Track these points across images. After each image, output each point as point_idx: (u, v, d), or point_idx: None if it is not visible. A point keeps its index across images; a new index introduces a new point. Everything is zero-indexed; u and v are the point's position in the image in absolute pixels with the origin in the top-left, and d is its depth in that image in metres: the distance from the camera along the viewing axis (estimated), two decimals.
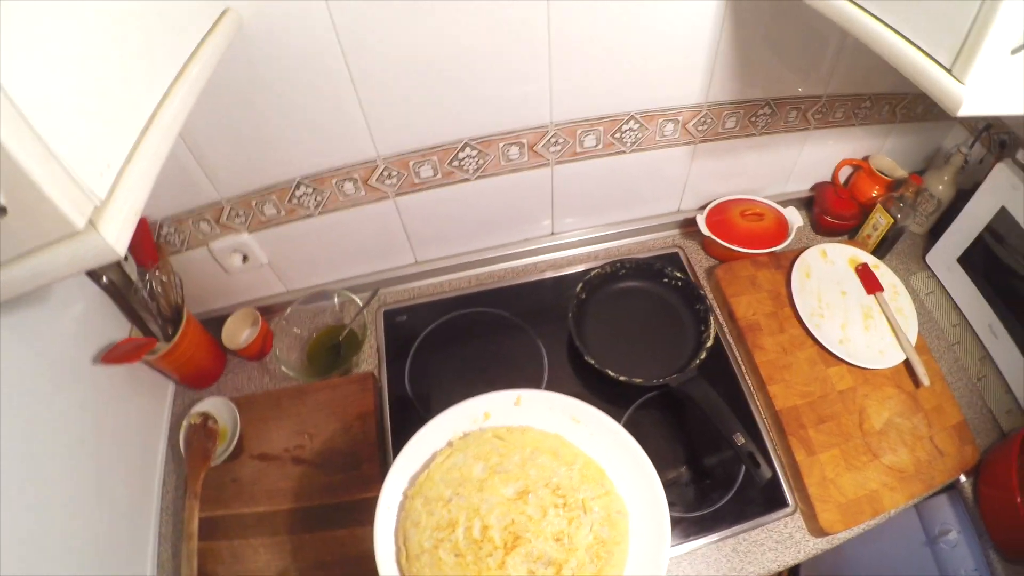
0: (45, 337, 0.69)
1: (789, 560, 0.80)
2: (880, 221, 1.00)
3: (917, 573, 1.00)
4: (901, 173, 1.05)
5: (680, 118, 0.88)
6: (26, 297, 0.66)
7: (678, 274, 0.95)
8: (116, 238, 0.36)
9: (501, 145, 0.85)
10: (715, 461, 0.86)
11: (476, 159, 0.86)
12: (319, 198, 0.85)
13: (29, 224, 0.33)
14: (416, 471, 0.65)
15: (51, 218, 0.32)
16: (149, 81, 0.44)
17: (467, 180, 0.89)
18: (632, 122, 0.87)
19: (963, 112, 0.49)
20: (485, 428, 0.68)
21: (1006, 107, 0.50)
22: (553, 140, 0.86)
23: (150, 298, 0.82)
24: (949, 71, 0.49)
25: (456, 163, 0.86)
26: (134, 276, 0.81)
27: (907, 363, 0.91)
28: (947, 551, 0.93)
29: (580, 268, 1.04)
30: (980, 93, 0.48)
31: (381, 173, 0.84)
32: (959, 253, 0.98)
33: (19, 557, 0.59)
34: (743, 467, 0.84)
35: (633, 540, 0.62)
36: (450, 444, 0.67)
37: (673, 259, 1.06)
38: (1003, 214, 0.88)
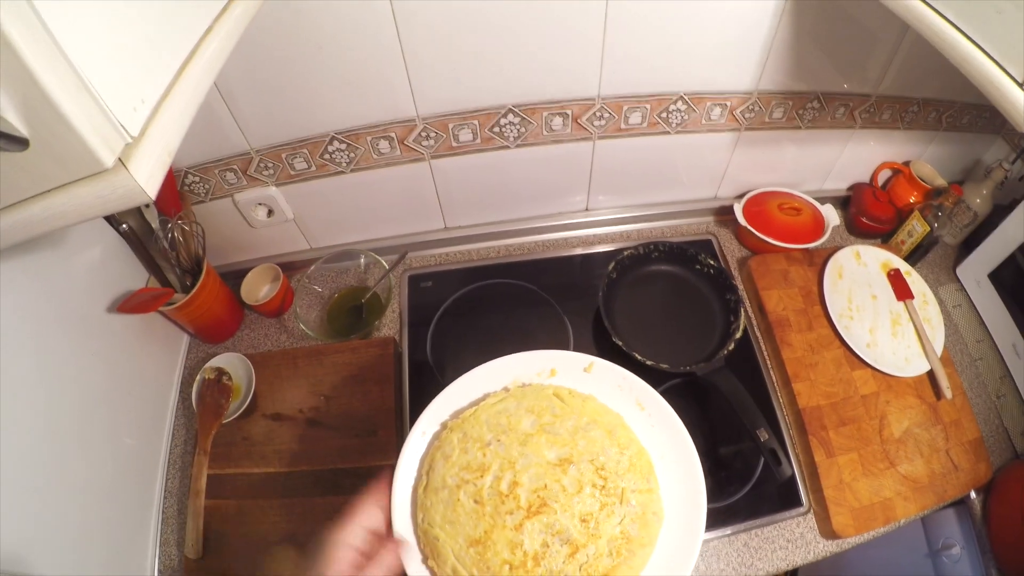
0: (60, 282, 0.66)
1: (798, 560, 0.77)
2: (916, 228, 0.96)
3: None
4: (941, 182, 1.01)
5: (728, 103, 0.84)
6: (43, 240, 0.63)
7: (711, 261, 0.91)
8: (147, 179, 0.32)
9: (545, 114, 0.80)
10: (733, 454, 0.82)
11: (518, 126, 0.81)
12: (352, 155, 0.81)
13: (53, 160, 0.29)
14: (463, 407, 0.61)
15: (78, 154, 0.29)
16: (191, 15, 0.40)
17: (507, 148, 0.84)
18: (680, 103, 0.82)
19: None
20: (547, 384, 0.63)
21: None
22: (599, 114, 0.82)
23: (170, 247, 0.78)
24: (1021, 85, 0.47)
25: (497, 129, 0.81)
26: (155, 224, 0.77)
27: (931, 374, 0.88)
28: (948, 565, 0.91)
29: (611, 247, 1.00)
30: None
31: (419, 134, 0.79)
32: (990, 269, 0.95)
33: (27, 499, 0.56)
34: (761, 462, 0.81)
35: (658, 549, 0.56)
36: (506, 390, 0.62)
37: (706, 246, 1.01)
38: None
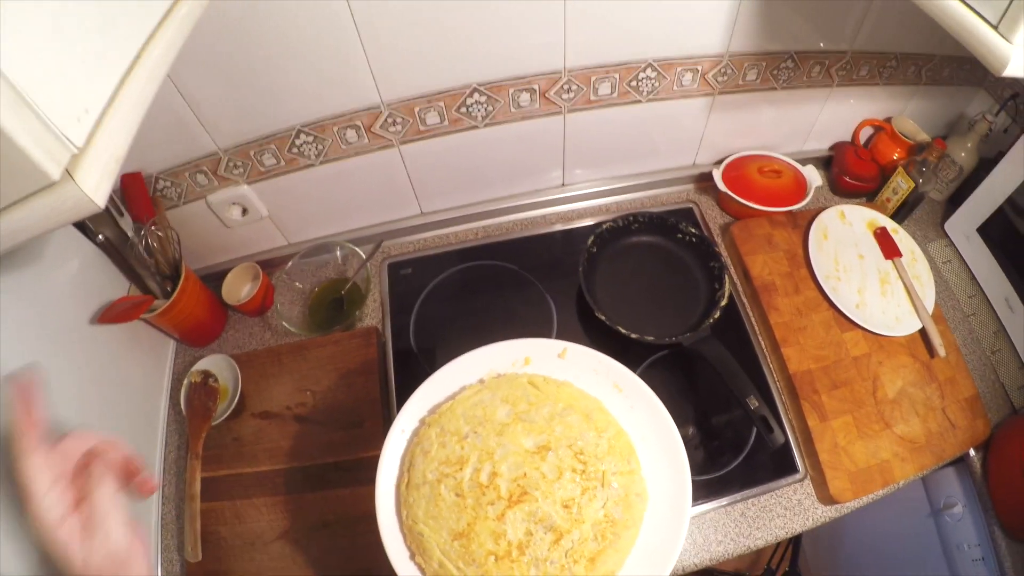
0: (40, 297, 0.65)
1: (797, 527, 0.76)
2: (901, 185, 0.94)
3: (919, 543, 0.98)
4: (924, 137, 0.99)
5: (700, 68, 0.82)
6: (18, 257, 0.62)
7: (692, 230, 0.89)
8: (95, 188, 0.32)
9: (512, 91, 0.78)
10: (725, 423, 0.81)
11: (485, 105, 0.79)
12: (320, 147, 0.79)
13: (1, 178, 0.29)
14: (439, 401, 0.60)
15: (24, 170, 0.29)
16: (133, 20, 0.38)
17: (475, 127, 0.82)
18: (649, 70, 0.80)
19: (1009, 71, 0.45)
20: (521, 373, 0.62)
21: None
22: (566, 87, 0.79)
23: (147, 254, 0.77)
24: (995, 28, 0.45)
25: (464, 109, 0.79)
26: (130, 232, 0.76)
27: (923, 332, 0.86)
28: (951, 524, 0.90)
29: (591, 221, 0.98)
30: None
31: (385, 120, 0.78)
32: (979, 223, 0.93)
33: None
34: (754, 431, 0.79)
35: (645, 529, 0.56)
36: (481, 382, 0.62)
37: (687, 214, 0.99)
38: None
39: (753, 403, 0.73)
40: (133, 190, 0.75)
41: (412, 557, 0.54)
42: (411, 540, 0.54)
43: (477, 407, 0.58)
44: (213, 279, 0.90)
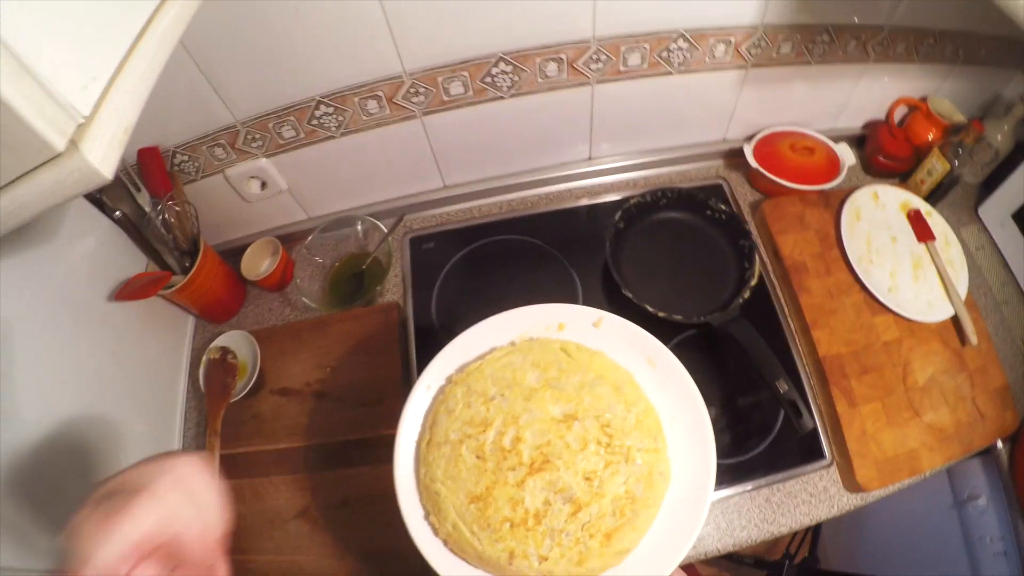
0: (57, 275, 0.63)
1: (822, 515, 0.73)
2: (936, 166, 0.88)
3: (940, 535, 0.94)
4: (960, 118, 0.93)
5: (733, 39, 0.76)
6: (34, 234, 0.60)
7: (722, 206, 0.84)
8: (102, 159, 0.30)
9: (539, 61, 0.73)
10: (752, 407, 0.77)
11: (511, 75, 0.75)
12: (341, 118, 0.75)
13: (4, 151, 0.27)
14: (468, 361, 0.57)
15: (27, 141, 0.27)
16: None
17: (500, 98, 0.78)
18: (681, 40, 0.75)
19: None
20: (555, 338, 0.59)
21: None
22: (595, 57, 0.74)
23: (165, 230, 0.75)
24: None
25: (489, 79, 0.75)
26: (147, 208, 0.74)
27: (955, 319, 0.81)
28: (974, 516, 0.87)
29: (617, 196, 0.93)
30: None
31: (408, 90, 0.73)
32: (1014, 209, 0.87)
33: (42, 492, 0.55)
34: (781, 414, 0.75)
35: (664, 510, 0.52)
36: (513, 344, 0.58)
37: (717, 191, 0.94)
38: None
39: (783, 387, 0.69)
40: (150, 165, 0.73)
41: (426, 516, 0.52)
42: (427, 499, 0.52)
43: (506, 369, 0.55)
44: (232, 254, 0.88)
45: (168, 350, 0.83)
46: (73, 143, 0.29)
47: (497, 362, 0.56)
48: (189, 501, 0.32)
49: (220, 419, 0.77)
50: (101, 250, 0.70)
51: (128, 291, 0.71)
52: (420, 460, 0.54)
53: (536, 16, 0.69)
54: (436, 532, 0.51)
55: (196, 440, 0.79)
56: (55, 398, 0.60)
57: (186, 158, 0.76)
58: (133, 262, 0.76)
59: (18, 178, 0.29)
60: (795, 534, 1.35)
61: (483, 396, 0.54)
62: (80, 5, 0.31)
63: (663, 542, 0.51)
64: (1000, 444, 0.78)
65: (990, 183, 0.94)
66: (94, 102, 0.30)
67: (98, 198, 0.68)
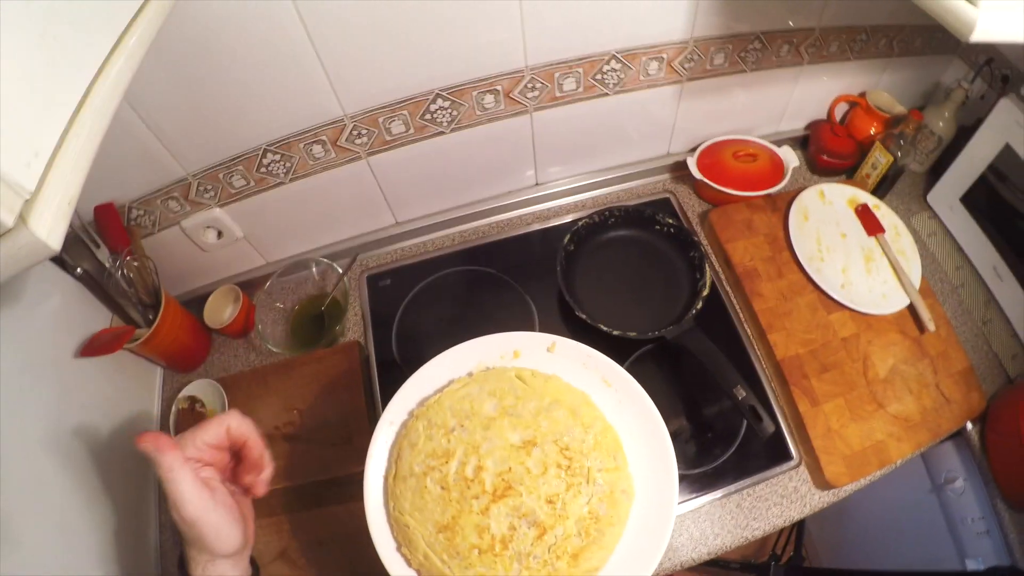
0: (23, 334, 0.63)
1: (795, 515, 0.73)
2: (879, 159, 0.90)
3: (923, 520, 0.95)
4: (900, 109, 0.95)
5: (665, 56, 0.78)
6: None
7: (670, 220, 0.85)
8: (49, 232, 0.31)
9: (475, 94, 0.75)
10: (716, 415, 0.78)
11: (449, 110, 0.76)
12: (288, 164, 0.76)
13: None
14: (428, 394, 0.59)
15: None
16: (77, 59, 0.36)
17: (442, 133, 0.79)
18: (614, 62, 0.76)
19: (976, 37, 0.42)
20: (510, 367, 0.60)
21: (1021, 32, 0.42)
22: (530, 85, 0.76)
23: (126, 284, 0.75)
24: None
25: (428, 116, 0.76)
26: (108, 263, 0.74)
27: (911, 307, 0.82)
28: (953, 498, 0.87)
29: (568, 219, 0.95)
30: (994, 16, 0.41)
31: (350, 132, 0.74)
32: (962, 192, 0.89)
33: (21, 557, 0.55)
34: (744, 421, 0.76)
35: (630, 526, 0.54)
36: (470, 375, 0.60)
37: (664, 205, 0.95)
38: (1007, 152, 0.79)
39: (740, 393, 0.70)
40: (107, 221, 0.73)
41: (398, 548, 0.53)
42: (398, 531, 0.53)
43: (464, 400, 0.57)
44: (195, 303, 0.88)
45: (138, 402, 0.83)
46: (21, 219, 0.29)
47: (455, 394, 0.57)
48: (244, 422, 0.49)
49: None
50: (66, 307, 0.71)
51: (93, 347, 0.72)
52: (388, 494, 0.55)
53: (468, 50, 0.70)
54: (409, 563, 0.53)
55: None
56: (26, 454, 0.60)
57: (141, 212, 0.77)
58: (97, 317, 0.76)
59: None
60: (780, 534, 1.36)
61: (443, 428, 0.55)
62: (18, 83, 0.31)
63: (633, 557, 0.53)
64: (970, 426, 0.79)
65: (937, 170, 0.95)
66: (38, 177, 0.31)
67: (59, 256, 0.68)
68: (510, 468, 0.53)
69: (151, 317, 0.78)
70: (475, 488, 0.52)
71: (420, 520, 0.52)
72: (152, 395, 0.86)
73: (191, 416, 0.80)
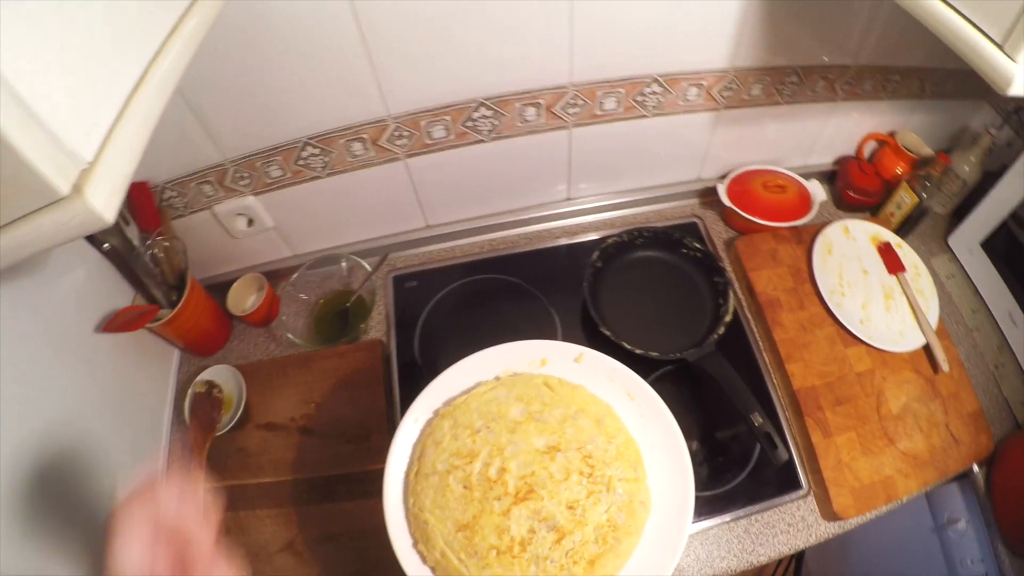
0: (45, 305, 0.63)
1: (800, 544, 0.74)
2: (904, 199, 0.91)
3: (922, 559, 0.95)
4: (927, 151, 0.96)
5: (705, 82, 0.79)
6: (23, 265, 0.61)
7: (697, 245, 0.86)
8: (104, 204, 0.31)
9: (518, 105, 0.76)
10: (729, 439, 0.78)
11: (491, 119, 0.77)
12: (327, 159, 0.77)
13: (8, 193, 0.28)
14: (454, 395, 0.60)
15: (32, 184, 0.28)
16: (141, 35, 0.37)
17: (482, 142, 0.80)
18: (655, 85, 0.77)
19: (1014, 91, 0.43)
20: (537, 373, 0.61)
21: None
22: (572, 101, 0.77)
23: (153, 264, 0.76)
24: (1000, 47, 0.43)
25: (470, 123, 0.77)
26: (136, 241, 0.74)
27: (927, 347, 0.83)
28: (954, 539, 0.87)
29: (595, 236, 0.96)
30: None
31: (392, 133, 0.75)
32: (982, 237, 0.90)
33: (27, 527, 0.55)
34: (758, 447, 0.77)
35: (645, 538, 0.54)
36: (497, 379, 0.61)
37: (691, 229, 0.96)
38: None
39: (757, 420, 0.71)
40: (139, 200, 0.74)
41: (415, 544, 0.54)
42: (415, 528, 0.54)
43: (491, 403, 0.58)
44: (218, 289, 0.88)
45: (153, 383, 0.83)
46: (77, 188, 0.29)
47: (482, 396, 0.58)
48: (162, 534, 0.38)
49: (205, 452, 0.76)
50: (89, 282, 0.71)
51: (116, 324, 0.72)
52: (408, 490, 0.56)
53: (515, 63, 0.71)
54: (425, 560, 0.53)
55: (180, 472, 0.79)
56: (40, 427, 0.60)
57: (175, 194, 0.77)
58: (120, 294, 0.76)
59: (18, 219, 0.29)
60: (779, 562, 1.36)
61: (469, 428, 0.56)
62: (82, 53, 0.32)
63: (645, 569, 0.53)
64: (976, 468, 0.80)
65: (959, 213, 0.96)
66: (97, 148, 0.31)
67: None
68: (533, 472, 0.54)
69: (174, 298, 0.78)
70: (497, 489, 0.53)
71: (440, 518, 0.53)
72: (168, 376, 0.86)
73: (208, 400, 0.80)
